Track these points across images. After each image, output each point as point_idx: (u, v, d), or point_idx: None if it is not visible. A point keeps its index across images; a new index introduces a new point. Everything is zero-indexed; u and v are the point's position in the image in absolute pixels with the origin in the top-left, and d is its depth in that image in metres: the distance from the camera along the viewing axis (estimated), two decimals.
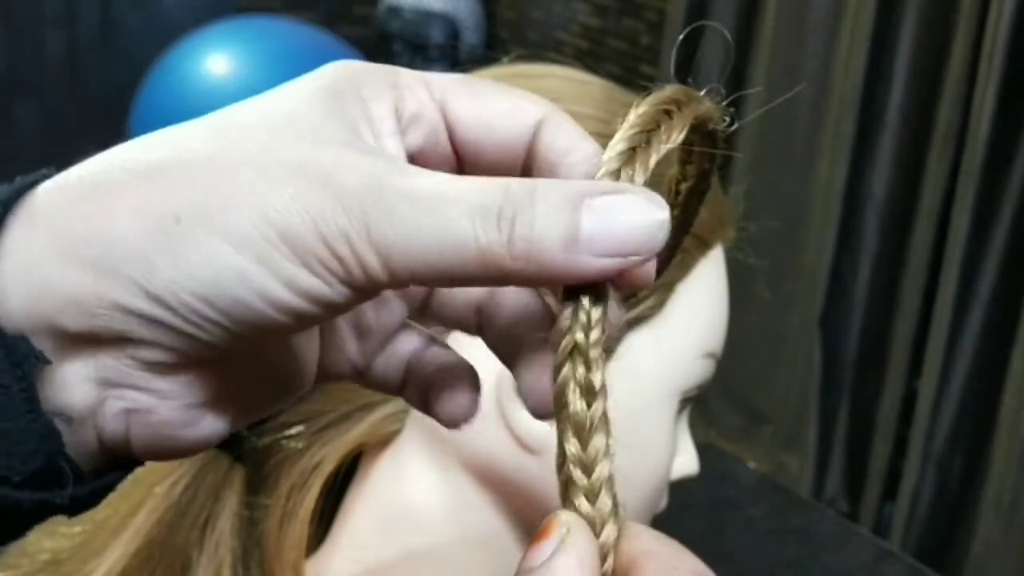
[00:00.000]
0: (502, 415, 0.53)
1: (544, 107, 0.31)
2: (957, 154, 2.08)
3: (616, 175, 0.28)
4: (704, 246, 0.57)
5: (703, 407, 2.45)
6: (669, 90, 0.30)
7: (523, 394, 0.32)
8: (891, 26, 2.19)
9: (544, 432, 0.53)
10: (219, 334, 0.27)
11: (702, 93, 0.31)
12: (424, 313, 0.35)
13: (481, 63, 0.58)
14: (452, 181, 0.27)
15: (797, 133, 2.38)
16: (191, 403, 0.29)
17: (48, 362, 0.27)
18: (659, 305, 0.55)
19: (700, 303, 0.57)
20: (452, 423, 0.34)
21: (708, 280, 0.58)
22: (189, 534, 0.51)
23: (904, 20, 2.17)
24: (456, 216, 0.26)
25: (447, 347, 0.35)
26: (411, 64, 3.54)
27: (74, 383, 0.28)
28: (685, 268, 0.56)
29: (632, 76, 2.84)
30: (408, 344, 0.35)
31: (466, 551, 0.55)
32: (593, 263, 0.26)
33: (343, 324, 0.34)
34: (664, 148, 0.28)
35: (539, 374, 0.31)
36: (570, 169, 0.30)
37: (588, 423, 0.27)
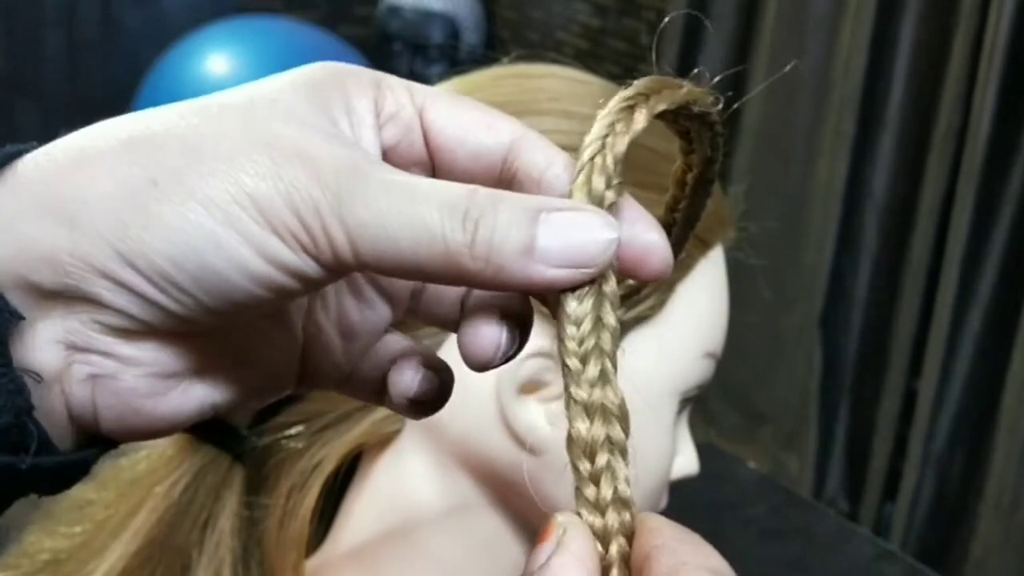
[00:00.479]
0: (502, 415, 0.53)
1: (519, 126, 0.32)
2: (957, 154, 2.08)
3: (587, 181, 0.29)
4: (704, 246, 0.57)
5: (703, 407, 2.45)
6: (639, 82, 0.31)
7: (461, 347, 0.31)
8: (891, 26, 2.19)
9: (544, 432, 0.53)
10: (189, 303, 0.27)
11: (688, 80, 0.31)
12: (412, 314, 0.35)
13: (481, 63, 0.58)
14: (425, 179, 0.28)
15: (797, 133, 2.38)
16: (158, 372, 0.29)
17: (22, 318, 0.27)
18: (659, 305, 0.55)
19: (700, 303, 0.57)
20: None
21: (708, 280, 0.58)
22: (189, 534, 0.51)
23: (904, 20, 2.17)
24: (426, 208, 0.27)
25: (429, 350, 0.35)
26: (411, 64, 3.51)
27: (43, 344, 0.28)
28: (685, 268, 0.56)
29: (632, 76, 2.84)
30: (393, 347, 0.35)
31: (466, 550, 0.55)
32: (546, 272, 0.27)
33: (328, 325, 0.34)
34: (626, 139, 0.29)
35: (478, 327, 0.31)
36: (554, 180, 0.31)
37: (589, 411, 0.28)
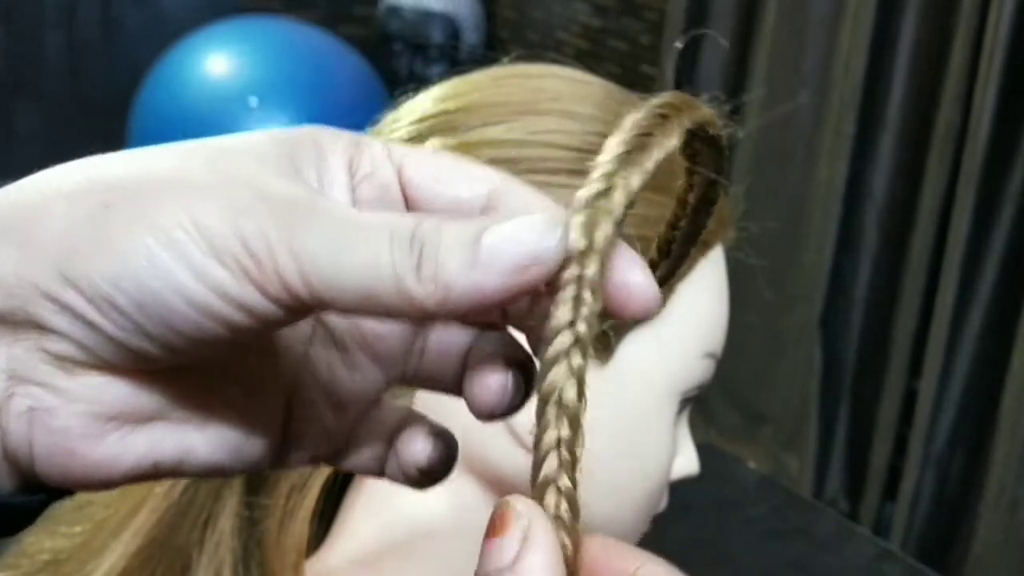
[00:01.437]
0: None
1: (499, 176, 0.32)
2: (957, 154, 2.08)
3: (610, 178, 0.28)
4: (704, 246, 0.57)
5: (703, 407, 2.45)
6: (666, 96, 0.30)
7: (467, 397, 0.32)
8: (891, 26, 2.19)
9: None
10: (130, 328, 0.27)
11: (702, 99, 0.31)
12: (408, 380, 0.34)
13: (481, 63, 0.58)
14: (377, 213, 0.28)
15: (797, 133, 2.38)
16: (97, 412, 0.28)
17: None
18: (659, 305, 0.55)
19: (700, 303, 0.57)
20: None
21: (708, 280, 0.58)
22: (189, 534, 0.51)
23: (904, 20, 2.17)
24: (376, 237, 0.27)
25: (427, 419, 0.34)
26: (411, 64, 3.52)
27: None
28: (685, 268, 0.56)
29: (632, 76, 2.84)
30: (392, 416, 0.34)
31: (466, 551, 0.55)
32: (494, 280, 0.27)
33: (315, 392, 0.33)
34: (659, 154, 0.29)
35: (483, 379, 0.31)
36: None
37: (543, 415, 0.28)
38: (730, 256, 0.60)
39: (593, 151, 0.52)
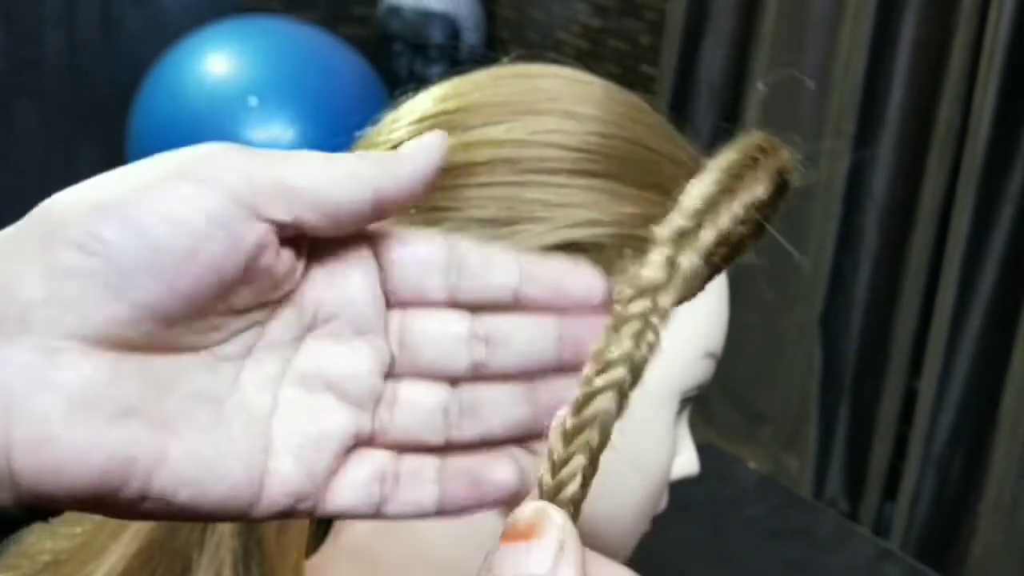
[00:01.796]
0: None
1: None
2: (957, 154, 2.08)
3: (698, 216, 0.28)
4: None
5: (703, 407, 2.45)
6: (756, 138, 0.30)
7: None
8: (891, 26, 2.19)
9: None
10: (117, 286, 0.28)
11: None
12: (375, 436, 0.34)
13: (481, 63, 0.58)
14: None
15: (797, 133, 2.38)
16: (75, 397, 0.28)
17: None
18: None
19: (700, 303, 0.57)
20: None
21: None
22: (189, 535, 0.51)
23: (904, 20, 2.17)
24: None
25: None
26: (411, 64, 3.51)
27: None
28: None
29: (632, 76, 2.84)
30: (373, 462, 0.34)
31: (465, 552, 0.55)
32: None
33: (286, 434, 0.32)
34: (748, 199, 0.29)
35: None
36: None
37: (578, 436, 0.28)
38: None
39: (593, 151, 0.52)
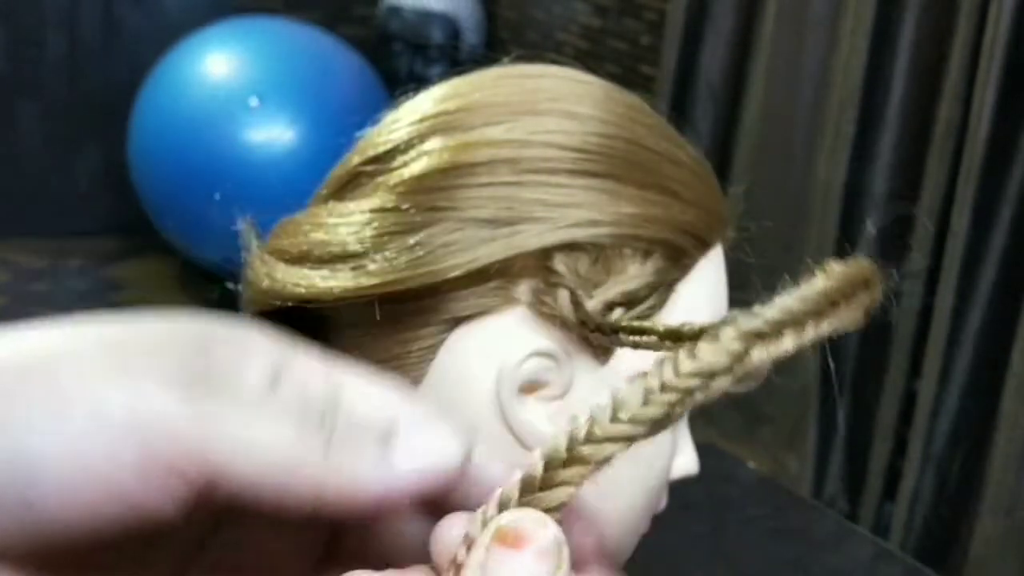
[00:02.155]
0: (502, 414, 0.53)
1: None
2: (957, 154, 2.08)
3: (779, 325, 0.27)
4: (704, 246, 0.57)
5: (703, 407, 2.44)
6: (865, 268, 0.29)
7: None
8: (891, 26, 2.19)
9: (545, 432, 0.53)
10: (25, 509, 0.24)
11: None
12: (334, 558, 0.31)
13: (481, 63, 0.58)
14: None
15: (797, 133, 2.38)
16: None
17: None
18: (659, 305, 0.55)
19: (700, 303, 0.57)
20: None
21: (708, 280, 0.58)
22: None
23: (904, 20, 2.17)
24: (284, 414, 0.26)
25: None
26: (411, 64, 3.51)
27: None
28: (684, 268, 0.56)
29: (632, 76, 2.84)
30: None
31: None
32: (403, 475, 0.27)
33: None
34: (833, 326, 0.28)
35: None
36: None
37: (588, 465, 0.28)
38: (730, 256, 0.60)
39: (593, 151, 0.52)
